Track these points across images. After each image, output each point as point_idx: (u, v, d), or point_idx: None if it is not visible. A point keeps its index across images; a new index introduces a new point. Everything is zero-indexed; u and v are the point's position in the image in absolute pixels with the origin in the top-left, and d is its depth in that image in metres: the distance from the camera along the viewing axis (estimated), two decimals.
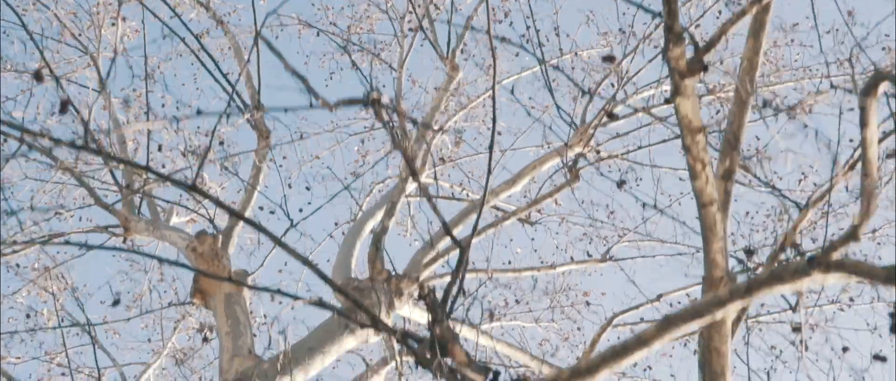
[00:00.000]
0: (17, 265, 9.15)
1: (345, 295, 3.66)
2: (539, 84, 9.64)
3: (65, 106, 3.33)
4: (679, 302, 9.87)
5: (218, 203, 3.86)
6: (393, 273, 7.02)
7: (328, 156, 11.37)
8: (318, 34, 9.57)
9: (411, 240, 10.70)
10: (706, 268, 3.73)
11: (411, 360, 6.92)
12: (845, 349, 4.27)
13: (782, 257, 4.33)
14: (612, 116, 4.04)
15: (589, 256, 8.87)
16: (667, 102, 3.42)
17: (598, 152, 7.73)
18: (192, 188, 3.80)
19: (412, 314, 7.59)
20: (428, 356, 3.52)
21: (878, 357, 3.49)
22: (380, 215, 7.90)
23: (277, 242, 3.83)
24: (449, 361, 3.41)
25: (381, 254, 7.16)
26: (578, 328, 11.75)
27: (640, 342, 2.49)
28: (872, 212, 2.33)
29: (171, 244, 7.69)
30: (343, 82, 11.00)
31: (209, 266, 6.89)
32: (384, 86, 10.33)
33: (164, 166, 8.77)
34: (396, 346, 7.17)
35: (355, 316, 3.94)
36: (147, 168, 3.84)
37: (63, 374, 10.28)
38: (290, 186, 9.60)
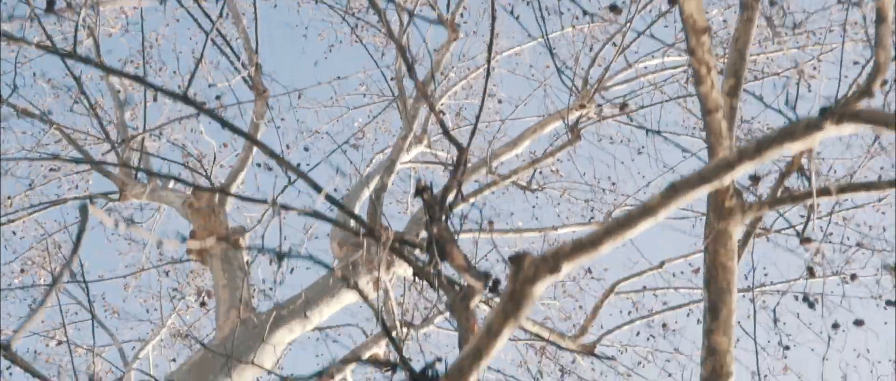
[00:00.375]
0: (14, 233, 9.06)
1: (341, 208, 3.57)
2: (541, 51, 9.53)
3: (50, 5, 3.23)
4: (682, 272, 9.78)
5: (211, 114, 3.78)
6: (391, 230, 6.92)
7: (328, 128, 11.27)
8: (317, 2, 9.46)
9: (412, 211, 10.60)
10: None
11: (409, 275, 6.82)
12: (854, 277, 4.16)
13: (788, 182, 4.23)
14: (615, 9, 3.92)
15: (592, 219, 8.77)
16: (671, 3, 3.31)
17: (600, 108, 7.64)
18: (184, 99, 3.72)
19: (410, 274, 7.49)
20: (423, 266, 3.42)
21: (890, 268, 3.39)
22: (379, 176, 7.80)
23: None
24: (447, 265, 3.32)
25: (379, 211, 7.06)
26: (580, 307, 11.66)
27: (646, 211, 2.38)
28: (886, 64, 2.22)
29: (169, 205, 7.60)
30: (342, 52, 10.89)
31: (206, 222, 6.80)
32: (383, 54, 10.24)
33: (159, 130, 8.68)
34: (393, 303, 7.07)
35: (349, 225, 3.83)
36: (142, 80, 3.75)
37: (59, 343, 10.17)
38: (288, 146, 9.50)
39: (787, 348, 4.57)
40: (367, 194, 8.16)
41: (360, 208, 8.06)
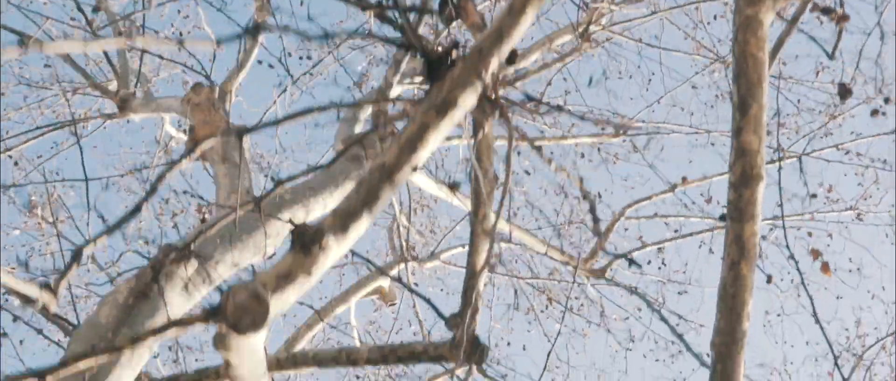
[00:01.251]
0: (10, 157, 8.84)
1: None
2: None
3: None
4: (694, 202, 9.50)
5: None
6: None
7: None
8: None
9: None
10: None
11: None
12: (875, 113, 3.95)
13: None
14: None
15: (603, 130, 8.52)
16: None
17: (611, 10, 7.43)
18: None
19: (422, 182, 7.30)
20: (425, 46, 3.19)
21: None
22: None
23: None
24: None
25: (385, 112, 6.84)
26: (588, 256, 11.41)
27: None
28: None
29: (168, 111, 7.41)
30: None
31: (206, 116, 6.59)
32: None
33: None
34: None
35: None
36: None
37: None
38: (289, 55, 9.32)
39: (813, 196, 4.38)
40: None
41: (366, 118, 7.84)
